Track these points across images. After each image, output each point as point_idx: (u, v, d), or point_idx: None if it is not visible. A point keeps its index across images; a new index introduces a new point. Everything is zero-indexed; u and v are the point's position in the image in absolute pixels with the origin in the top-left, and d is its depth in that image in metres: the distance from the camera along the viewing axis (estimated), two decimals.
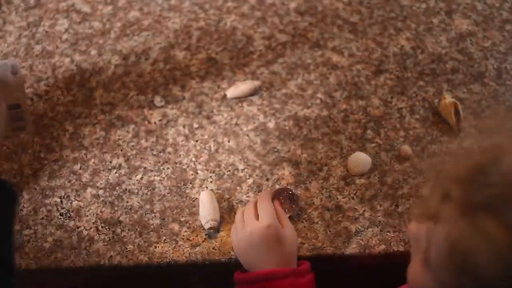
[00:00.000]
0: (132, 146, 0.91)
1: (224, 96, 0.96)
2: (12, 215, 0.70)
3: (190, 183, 0.87)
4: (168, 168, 0.88)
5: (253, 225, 0.74)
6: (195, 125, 0.93)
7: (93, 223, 0.83)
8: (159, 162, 0.89)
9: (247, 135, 0.92)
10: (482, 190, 0.46)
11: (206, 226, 0.81)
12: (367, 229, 0.82)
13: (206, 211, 0.82)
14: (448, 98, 0.92)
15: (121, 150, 0.90)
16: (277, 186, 0.86)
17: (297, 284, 0.70)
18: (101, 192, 0.86)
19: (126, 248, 0.81)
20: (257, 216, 0.76)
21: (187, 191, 0.86)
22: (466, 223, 0.46)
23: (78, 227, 0.83)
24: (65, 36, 1.05)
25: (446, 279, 0.49)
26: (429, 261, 0.52)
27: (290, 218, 0.81)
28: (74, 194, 0.86)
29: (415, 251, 0.56)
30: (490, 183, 0.46)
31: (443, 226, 0.49)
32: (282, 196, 0.82)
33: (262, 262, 0.72)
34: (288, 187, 0.85)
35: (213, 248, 0.81)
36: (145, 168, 0.88)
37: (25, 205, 0.85)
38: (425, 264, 0.53)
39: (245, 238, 0.74)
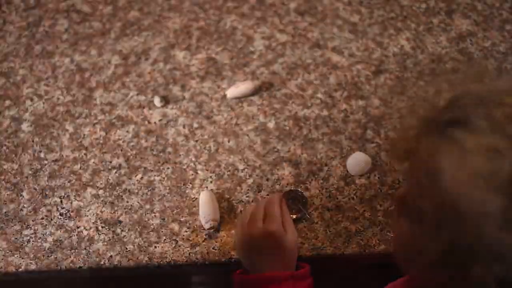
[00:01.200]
0: (132, 146, 0.91)
1: (224, 96, 0.96)
2: None
3: (190, 183, 0.87)
4: (168, 168, 0.88)
5: (258, 229, 0.73)
6: (195, 125, 0.93)
7: (93, 223, 0.83)
8: (159, 162, 0.89)
9: (247, 135, 0.92)
10: (452, 110, 0.48)
11: (206, 226, 0.81)
12: (367, 229, 0.82)
13: (206, 211, 0.82)
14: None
15: (121, 150, 0.90)
16: (277, 187, 0.86)
17: None
18: (101, 192, 0.86)
19: (126, 248, 0.81)
20: (263, 219, 0.75)
21: (187, 191, 0.86)
22: (435, 139, 0.47)
23: (78, 227, 0.83)
24: (65, 36, 1.05)
25: (425, 213, 0.48)
26: (408, 207, 0.51)
27: (297, 219, 0.81)
28: (74, 194, 0.86)
29: (400, 215, 0.56)
30: (459, 105, 0.48)
31: (418, 155, 0.49)
32: (291, 198, 0.82)
33: (262, 265, 0.72)
34: (298, 189, 0.84)
35: (213, 248, 0.81)
36: (145, 168, 0.88)
37: (25, 205, 0.85)
38: (406, 214, 0.52)
39: (248, 240, 0.74)
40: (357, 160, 0.87)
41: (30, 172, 0.88)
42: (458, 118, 0.46)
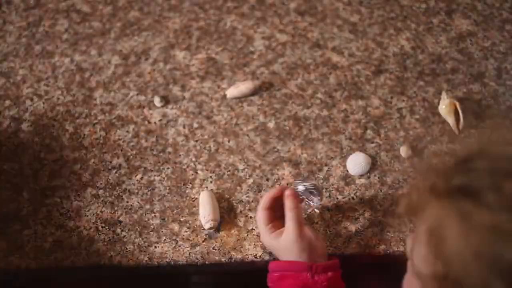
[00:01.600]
0: (132, 146, 0.91)
1: (224, 96, 0.96)
2: None
3: (190, 183, 0.87)
4: (168, 168, 0.88)
5: (283, 238, 0.75)
6: (195, 125, 0.93)
7: (93, 223, 0.83)
8: (159, 162, 0.89)
9: (247, 135, 0.92)
10: (464, 175, 0.46)
11: (206, 226, 0.81)
12: (367, 229, 0.82)
13: (206, 211, 0.82)
14: (448, 98, 0.92)
15: (121, 150, 0.90)
16: (277, 186, 0.86)
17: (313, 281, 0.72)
18: (101, 192, 0.86)
19: (126, 248, 0.81)
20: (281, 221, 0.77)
21: (187, 191, 0.86)
22: (444, 205, 0.46)
23: (78, 227, 0.83)
24: (65, 36, 1.05)
25: (425, 272, 0.48)
26: (414, 263, 0.51)
27: (312, 213, 0.82)
28: (74, 194, 0.86)
29: (408, 265, 0.56)
30: (471, 169, 0.46)
31: (425, 214, 0.49)
32: (304, 193, 0.81)
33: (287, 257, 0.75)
34: (312, 182, 0.82)
35: (213, 248, 0.81)
36: (145, 168, 0.88)
37: (25, 205, 0.85)
38: (412, 269, 0.52)
39: (276, 246, 0.76)
40: (357, 160, 0.87)
41: (30, 172, 0.88)
42: (468, 187, 0.45)
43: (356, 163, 0.87)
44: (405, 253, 0.56)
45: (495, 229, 0.42)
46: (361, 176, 0.87)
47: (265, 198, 0.77)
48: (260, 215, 0.77)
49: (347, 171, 0.87)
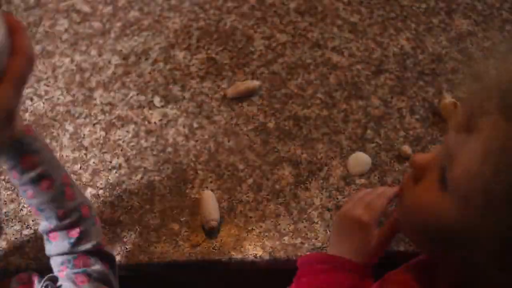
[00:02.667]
0: (132, 146, 0.91)
1: (224, 96, 0.96)
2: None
3: (190, 183, 0.87)
4: (168, 168, 0.88)
5: (352, 212, 0.73)
6: (195, 125, 0.93)
7: None
8: (159, 162, 0.89)
9: (247, 135, 0.92)
10: None
11: (206, 226, 0.81)
12: None
13: (206, 211, 0.82)
14: (448, 98, 0.92)
15: (121, 150, 0.90)
16: (277, 187, 0.86)
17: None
18: (101, 192, 0.86)
19: (126, 248, 0.81)
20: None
21: (187, 191, 0.86)
22: (509, 127, 0.44)
23: None
24: (65, 36, 1.05)
25: (474, 196, 0.45)
26: (451, 182, 0.48)
27: None
28: None
29: (423, 180, 0.54)
30: None
31: (481, 135, 0.46)
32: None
33: (340, 246, 0.73)
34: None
35: (213, 248, 0.81)
36: (145, 168, 0.88)
37: (25, 205, 0.85)
38: (444, 187, 0.49)
39: (339, 217, 0.75)
40: (357, 160, 0.87)
41: None
42: None
43: (356, 163, 0.87)
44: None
45: None
46: (361, 176, 0.87)
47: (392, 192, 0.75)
48: (383, 202, 0.74)
49: (347, 171, 0.87)
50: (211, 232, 0.81)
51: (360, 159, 0.87)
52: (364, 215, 0.72)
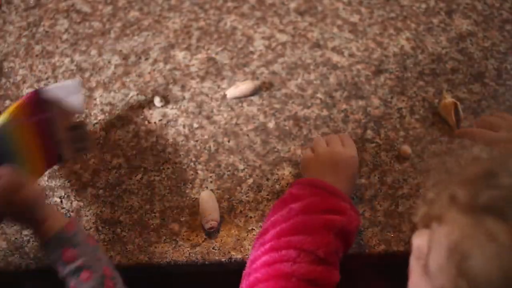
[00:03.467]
0: (132, 146, 0.91)
1: (224, 96, 0.96)
2: None
3: (190, 183, 0.87)
4: (168, 168, 0.88)
5: (341, 149, 0.80)
6: (195, 125, 0.93)
7: (93, 223, 0.83)
8: (159, 162, 0.89)
9: (247, 135, 0.92)
10: (489, 192, 0.45)
11: (206, 226, 0.81)
12: (367, 229, 0.82)
13: (206, 211, 0.82)
14: (448, 98, 0.92)
15: (121, 150, 0.90)
16: (277, 186, 0.86)
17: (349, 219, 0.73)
18: (101, 192, 0.86)
19: (126, 248, 0.81)
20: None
21: (187, 191, 0.86)
22: (469, 222, 0.45)
23: None
24: (65, 36, 1.05)
25: (443, 283, 0.47)
26: (428, 267, 0.50)
27: None
28: (74, 194, 0.86)
29: (416, 263, 0.55)
30: (498, 185, 0.45)
31: (446, 226, 0.48)
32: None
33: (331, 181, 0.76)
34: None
35: (213, 248, 0.81)
36: (145, 168, 0.88)
37: None
38: (424, 271, 0.51)
39: (328, 156, 0.79)
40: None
41: None
42: (494, 206, 0.44)
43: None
44: (408, 250, 0.55)
45: None
46: (360, 176, 0.87)
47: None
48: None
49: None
50: (211, 232, 0.81)
51: None
52: (352, 151, 0.79)
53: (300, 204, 0.72)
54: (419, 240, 0.53)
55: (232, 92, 0.95)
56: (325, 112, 0.94)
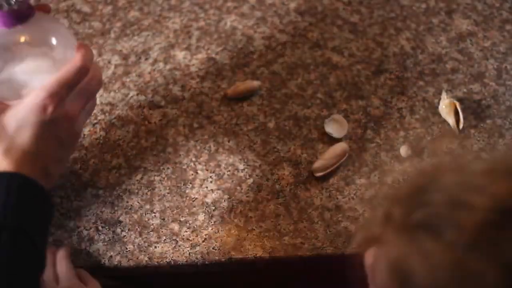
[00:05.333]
0: (132, 146, 0.91)
1: (224, 96, 0.96)
2: None
3: (190, 183, 0.87)
4: (168, 168, 0.88)
5: None
6: (195, 125, 0.93)
7: (93, 223, 0.83)
8: (159, 162, 0.89)
9: (247, 135, 0.92)
10: (420, 209, 0.45)
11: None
12: None
13: None
14: (448, 98, 0.92)
15: (121, 150, 0.90)
16: (277, 187, 0.86)
17: None
18: (101, 192, 0.86)
19: (126, 248, 0.81)
20: (56, 279, 0.75)
21: (187, 191, 0.86)
22: (404, 242, 0.45)
23: (78, 227, 0.83)
24: None
25: None
26: (375, 283, 0.50)
27: None
28: (74, 194, 0.86)
29: (370, 281, 0.55)
30: (428, 202, 0.45)
31: (384, 248, 0.48)
32: None
33: None
34: None
35: (213, 248, 0.81)
36: (145, 168, 0.88)
37: None
38: (374, 285, 0.51)
39: None
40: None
41: None
42: (427, 223, 0.44)
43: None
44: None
45: (460, 267, 0.41)
46: (361, 176, 0.87)
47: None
48: None
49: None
50: (210, 233, 0.81)
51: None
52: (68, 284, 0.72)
53: None
54: (367, 260, 0.53)
55: (232, 92, 0.95)
56: (325, 112, 0.94)
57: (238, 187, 0.86)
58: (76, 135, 0.68)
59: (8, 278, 0.56)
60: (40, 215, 0.63)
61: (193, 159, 0.89)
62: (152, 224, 0.83)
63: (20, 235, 0.59)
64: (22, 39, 0.64)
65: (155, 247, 0.81)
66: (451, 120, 0.91)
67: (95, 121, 0.93)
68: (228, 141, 0.91)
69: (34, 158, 0.62)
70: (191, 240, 0.81)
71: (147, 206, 0.85)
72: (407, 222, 0.46)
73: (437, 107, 0.94)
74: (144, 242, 0.81)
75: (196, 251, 0.80)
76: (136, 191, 0.86)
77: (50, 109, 0.62)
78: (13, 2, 0.61)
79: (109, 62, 1.01)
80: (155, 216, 0.84)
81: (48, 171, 0.64)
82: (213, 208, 0.84)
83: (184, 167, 0.88)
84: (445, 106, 0.92)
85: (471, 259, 0.41)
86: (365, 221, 0.53)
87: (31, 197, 0.61)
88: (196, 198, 0.85)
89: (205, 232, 0.82)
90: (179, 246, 0.81)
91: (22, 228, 0.59)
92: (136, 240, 0.82)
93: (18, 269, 0.58)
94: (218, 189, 0.86)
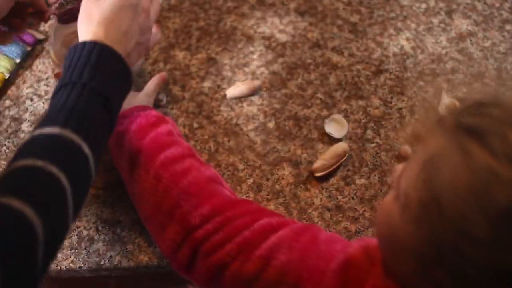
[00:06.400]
0: None
1: (224, 96, 0.96)
2: None
3: None
4: None
5: None
6: (195, 125, 0.93)
7: (93, 223, 0.83)
8: None
9: (247, 135, 0.92)
10: (476, 117, 0.47)
11: None
12: (367, 229, 0.82)
13: None
14: (448, 98, 0.92)
15: None
16: (277, 186, 0.86)
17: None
18: (101, 192, 0.86)
19: (126, 248, 0.81)
20: None
21: None
22: (449, 140, 0.47)
23: (78, 227, 0.83)
24: None
25: (411, 202, 0.48)
26: (399, 188, 0.51)
27: None
28: None
29: (390, 192, 0.56)
30: (485, 113, 0.47)
31: (426, 145, 0.49)
32: None
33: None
34: None
35: None
36: None
37: None
38: (395, 195, 0.52)
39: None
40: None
41: None
42: (476, 128, 0.46)
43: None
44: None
45: (493, 173, 0.43)
46: (361, 176, 0.87)
47: None
48: None
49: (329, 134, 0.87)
50: None
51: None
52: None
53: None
54: (396, 172, 0.55)
55: (232, 92, 0.95)
56: (325, 112, 0.94)
57: (238, 187, 0.86)
58: (150, 28, 0.75)
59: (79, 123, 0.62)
60: (119, 84, 0.71)
61: None
62: None
63: (95, 95, 0.65)
64: None
65: (155, 247, 0.81)
66: None
67: None
68: (228, 141, 0.91)
69: (120, 36, 0.69)
70: None
71: None
72: (458, 124, 0.48)
73: (437, 107, 0.94)
74: (144, 242, 0.81)
75: None
76: None
77: None
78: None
79: None
80: None
81: (130, 52, 0.72)
82: None
83: None
84: (445, 106, 0.92)
85: (506, 168, 0.43)
86: (417, 121, 0.55)
87: (113, 64, 0.69)
88: None
89: None
90: None
91: (99, 90, 0.65)
92: (136, 240, 0.82)
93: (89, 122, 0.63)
94: None
